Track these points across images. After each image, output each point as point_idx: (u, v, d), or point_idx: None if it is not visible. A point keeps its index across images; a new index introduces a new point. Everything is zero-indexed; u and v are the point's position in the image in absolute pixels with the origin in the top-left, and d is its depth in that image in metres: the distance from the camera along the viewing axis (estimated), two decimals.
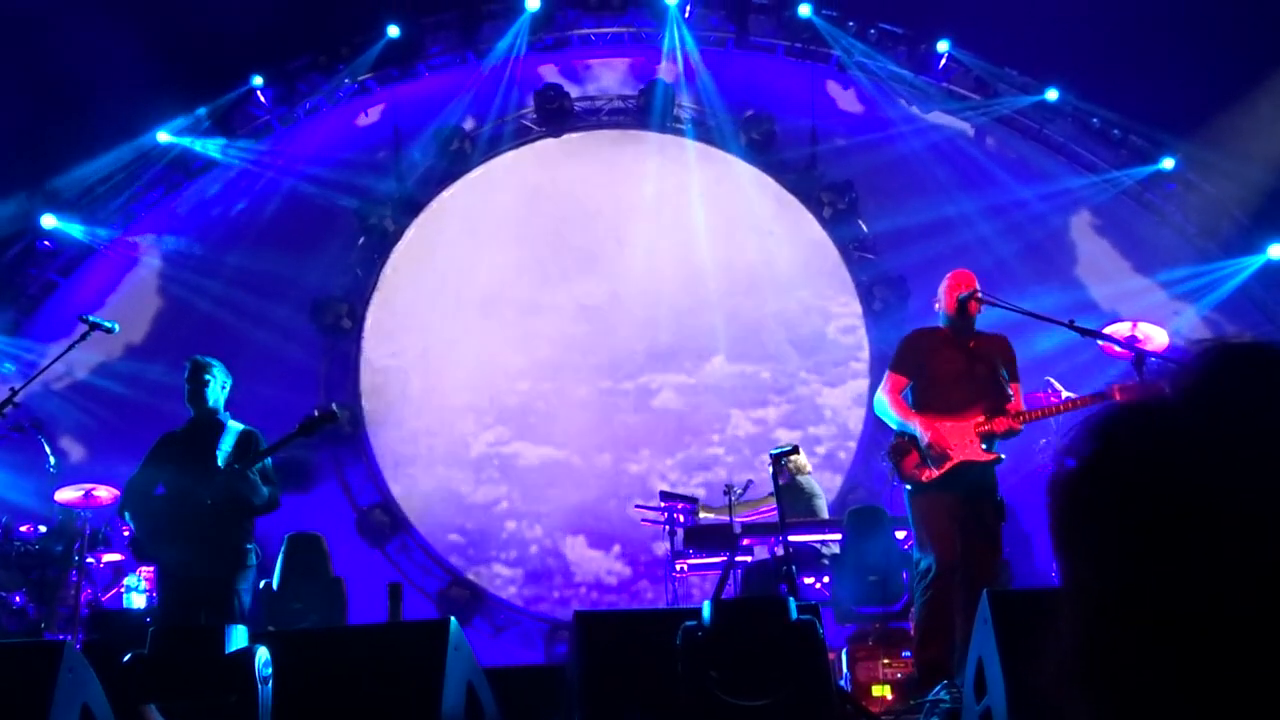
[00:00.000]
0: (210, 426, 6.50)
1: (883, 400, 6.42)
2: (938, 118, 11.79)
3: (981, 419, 6.13)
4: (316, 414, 6.32)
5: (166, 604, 6.55)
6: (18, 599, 8.52)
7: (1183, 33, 9.74)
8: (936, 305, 6.46)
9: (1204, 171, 11.18)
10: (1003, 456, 6.21)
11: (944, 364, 6.30)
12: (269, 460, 6.42)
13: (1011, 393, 6.32)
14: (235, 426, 6.55)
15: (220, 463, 6.30)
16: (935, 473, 6.08)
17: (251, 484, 6.25)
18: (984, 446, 6.13)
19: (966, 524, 6.06)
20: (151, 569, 8.12)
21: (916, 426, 6.14)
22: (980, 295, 6.27)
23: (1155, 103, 10.78)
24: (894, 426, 6.34)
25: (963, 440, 6.12)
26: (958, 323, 6.33)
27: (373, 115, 12.12)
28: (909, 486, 6.24)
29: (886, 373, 6.51)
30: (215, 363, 6.63)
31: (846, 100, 11.96)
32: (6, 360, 10.91)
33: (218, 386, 6.58)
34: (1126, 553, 0.86)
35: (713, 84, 11.98)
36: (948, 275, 6.46)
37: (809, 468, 9.19)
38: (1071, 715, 0.88)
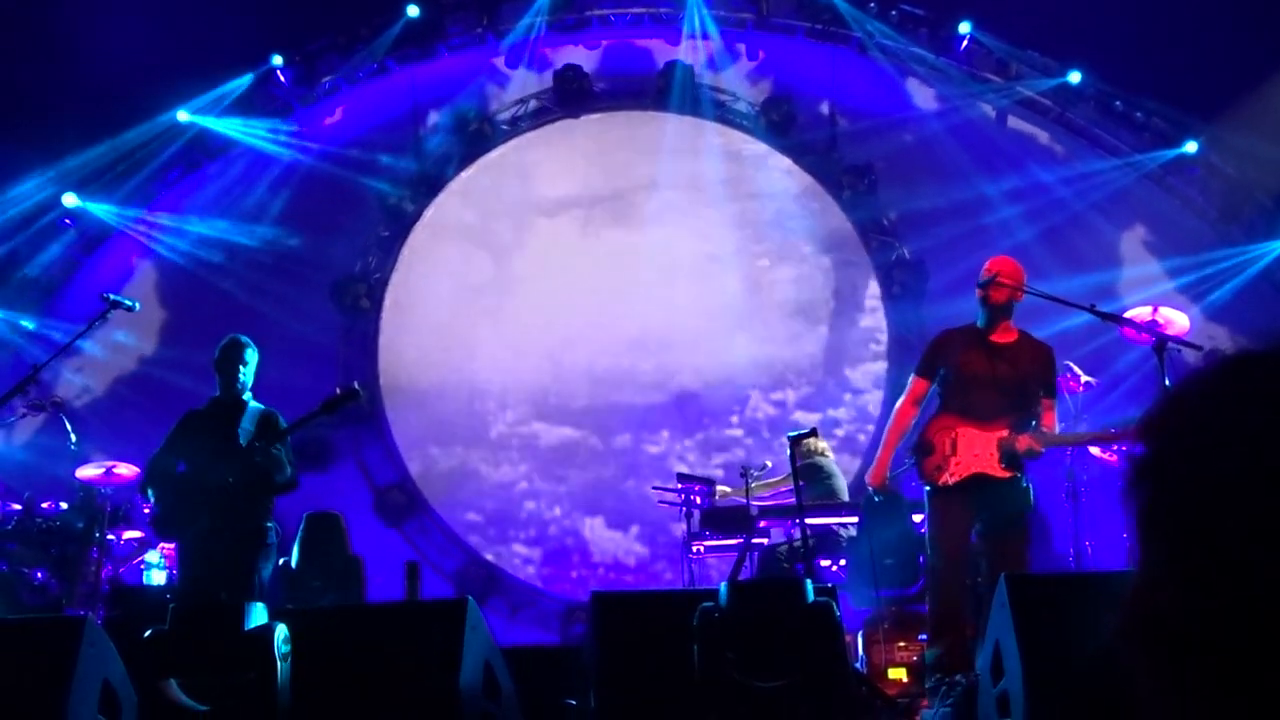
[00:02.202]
0: (233, 406, 6.54)
1: (895, 410, 6.49)
2: (958, 100, 11.71)
3: (1006, 433, 5.99)
4: (339, 392, 6.33)
5: (186, 581, 6.60)
6: (39, 575, 8.58)
7: (1206, 14, 9.65)
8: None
9: (1227, 155, 11.08)
10: (1018, 475, 6.04)
11: (965, 364, 6.15)
12: (288, 440, 6.46)
13: (1043, 406, 6.16)
14: (256, 406, 6.59)
15: (242, 442, 6.33)
16: (951, 480, 6.02)
17: (277, 460, 6.29)
18: (1002, 464, 5.99)
19: (987, 518, 6.05)
20: (172, 546, 8.18)
21: (880, 454, 6.44)
22: (1000, 280, 6.07)
23: (1179, 85, 10.69)
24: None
25: (983, 451, 6.01)
26: (984, 314, 6.20)
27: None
28: (927, 487, 6.18)
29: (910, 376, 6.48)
30: (250, 343, 6.68)
31: (867, 82, 11.86)
32: (18, 334, 10.96)
33: (251, 369, 6.64)
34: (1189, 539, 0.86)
35: (732, 65, 11.94)
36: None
37: (828, 450, 9.16)
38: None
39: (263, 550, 6.35)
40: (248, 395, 6.64)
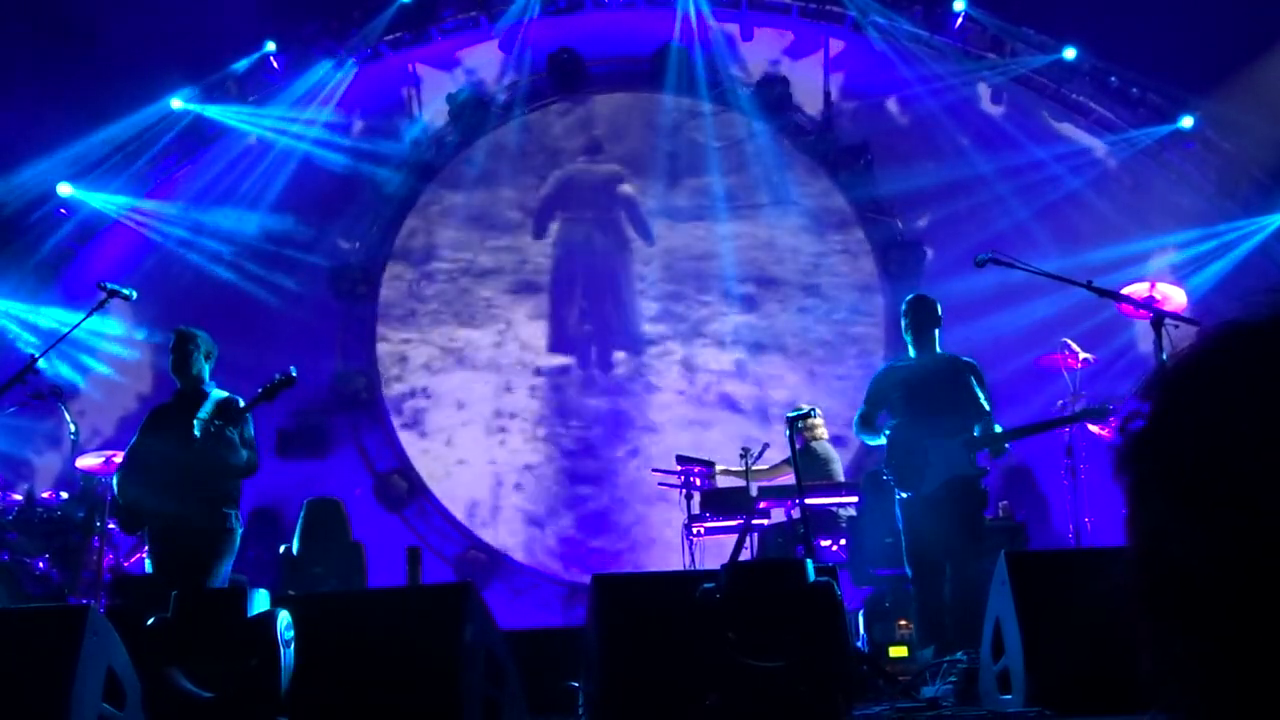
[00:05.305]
0: (193, 396, 6.56)
1: (856, 426, 7.19)
2: (954, 78, 11.67)
3: (969, 436, 6.68)
4: (277, 377, 6.34)
5: (155, 572, 6.61)
6: (41, 564, 8.60)
7: None
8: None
9: (1223, 130, 11.05)
10: (987, 470, 6.77)
11: (912, 388, 6.84)
12: (251, 427, 6.48)
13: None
14: (217, 394, 6.61)
15: (197, 430, 6.32)
16: (929, 486, 6.61)
17: (227, 441, 6.29)
18: (972, 464, 6.67)
19: (955, 514, 6.59)
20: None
21: (883, 439, 6.90)
22: (920, 314, 6.88)
23: (1174, 60, 10.65)
24: (871, 444, 7.12)
25: (952, 455, 6.63)
26: (914, 344, 6.96)
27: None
28: (903, 495, 6.75)
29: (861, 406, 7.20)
30: (200, 333, 6.70)
31: (861, 61, 11.82)
32: (16, 324, 10.94)
33: (201, 356, 6.64)
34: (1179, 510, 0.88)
35: (726, 45, 11.90)
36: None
37: (824, 433, 9.15)
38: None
39: (223, 537, 6.35)
40: (210, 384, 6.66)
